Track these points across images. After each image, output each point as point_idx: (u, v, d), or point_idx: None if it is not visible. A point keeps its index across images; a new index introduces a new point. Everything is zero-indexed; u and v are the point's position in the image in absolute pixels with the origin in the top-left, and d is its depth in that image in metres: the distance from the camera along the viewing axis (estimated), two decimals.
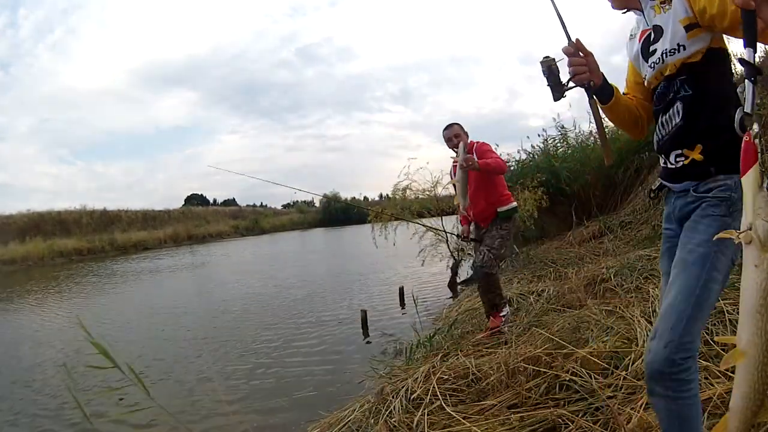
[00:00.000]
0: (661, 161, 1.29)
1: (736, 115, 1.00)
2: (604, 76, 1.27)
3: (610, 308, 2.80)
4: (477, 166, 2.98)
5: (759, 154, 0.89)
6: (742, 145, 0.92)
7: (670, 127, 1.20)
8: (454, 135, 3.31)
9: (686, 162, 1.17)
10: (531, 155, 7.64)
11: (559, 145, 7.61)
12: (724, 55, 1.14)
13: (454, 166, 3.37)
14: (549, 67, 1.31)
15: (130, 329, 6.03)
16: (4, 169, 55.79)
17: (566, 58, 1.25)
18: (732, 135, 1.05)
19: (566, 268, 4.59)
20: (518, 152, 7.64)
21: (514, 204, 3.38)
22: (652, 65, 1.22)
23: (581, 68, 1.23)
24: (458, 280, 6.85)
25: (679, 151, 1.18)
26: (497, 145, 8.25)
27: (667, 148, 1.23)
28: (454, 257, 7.02)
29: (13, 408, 3.65)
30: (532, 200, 5.85)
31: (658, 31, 1.19)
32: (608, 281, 3.50)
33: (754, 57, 0.93)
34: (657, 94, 1.24)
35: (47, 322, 7.10)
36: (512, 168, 7.33)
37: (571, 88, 1.30)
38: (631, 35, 1.34)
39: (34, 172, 65.14)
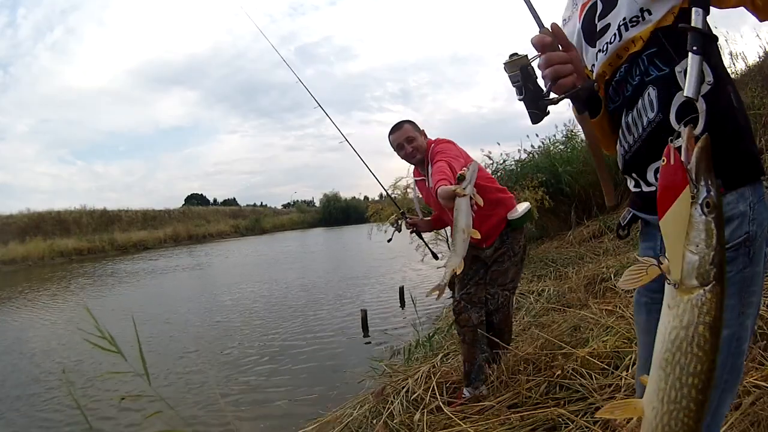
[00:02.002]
0: (631, 184, 0.93)
1: (674, 102, 0.73)
2: (589, 77, 0.90)
3: (610, 308, 2.80)
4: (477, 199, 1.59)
5: (701, 170, 0.61)
6: (662, 166, 0.64)
7: (641, 129, 0.84)
8: (405, 140, 2.23)
9: None
10: (531, 155, 7.64)
11: (561, 147, 7.57)
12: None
13: (419, 182, 2.40)
14: (523, 69, 0.86)
15: (123, 337, 6.02)
16: (4, 169, 56.08)
17: (536, 56, 0.83)
18: (736, 124, 0.80)
19: (566, 267, 4.59)
20: (518, 152, 7.62)
21: (526, 206, 2.33)
22: (604, 47, 0.88)
23: (565, 68, 0.80)
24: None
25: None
26: (498, 143, 8.21)
27: (640, 161, 0.86)
28: None
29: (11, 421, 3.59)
30: (533, 200, 5.83)
31: None
32: (608, 281, 3.50)
33: (704, 19, 0.71)
34: (614, 84, 0.88)
35: (45, 325, 7.10)
36: (511, 168, 7.32)
37: (554, 100, 0.85)
38: (564, 20, 0.99)
39: (34, 172, 65.50)
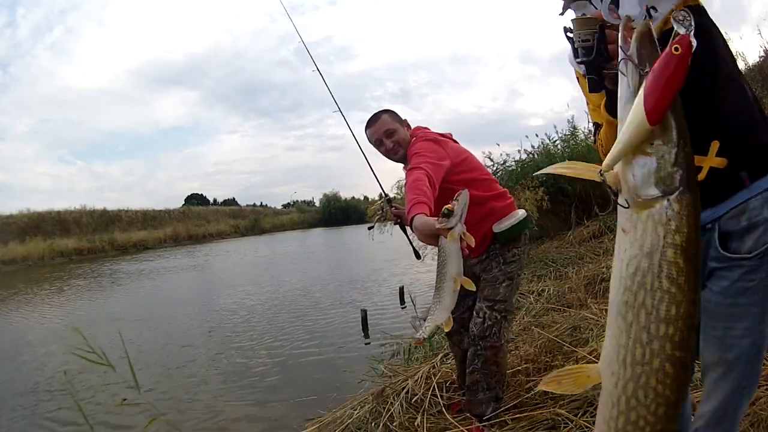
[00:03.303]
0: None
1: None
2: None
3: None
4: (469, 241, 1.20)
5: (643, 55, 0.57)
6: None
7: None
8: (384, 134, 1.92)
9: (700, 177, 0.80)
10: (531, 155, 7.62)
11: (563, 145, 7.56)
12: (703, 9, 0.85)
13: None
14: (601, 29, 0.78)
15: (120, 342, 6.00)
16: (4, 169, 56.01)
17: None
18: (751, 116, 0.81)
19: (566, 267, 4.58)
20: (518, 152, 7.60)
21: (521, 214, 1.97)
22: None
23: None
24: None
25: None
26: (498, 144, 8.21)
27: None
28: None
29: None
30: (533, 200, 5.82)
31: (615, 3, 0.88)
32: (608, 281, 3.49)
33: None
34: None
35: (44, 327, 7.10)
36: (511, 168, 7.30)
37: (608, 73, 0.80)
38: None
39: (34, 172, 65.48)
